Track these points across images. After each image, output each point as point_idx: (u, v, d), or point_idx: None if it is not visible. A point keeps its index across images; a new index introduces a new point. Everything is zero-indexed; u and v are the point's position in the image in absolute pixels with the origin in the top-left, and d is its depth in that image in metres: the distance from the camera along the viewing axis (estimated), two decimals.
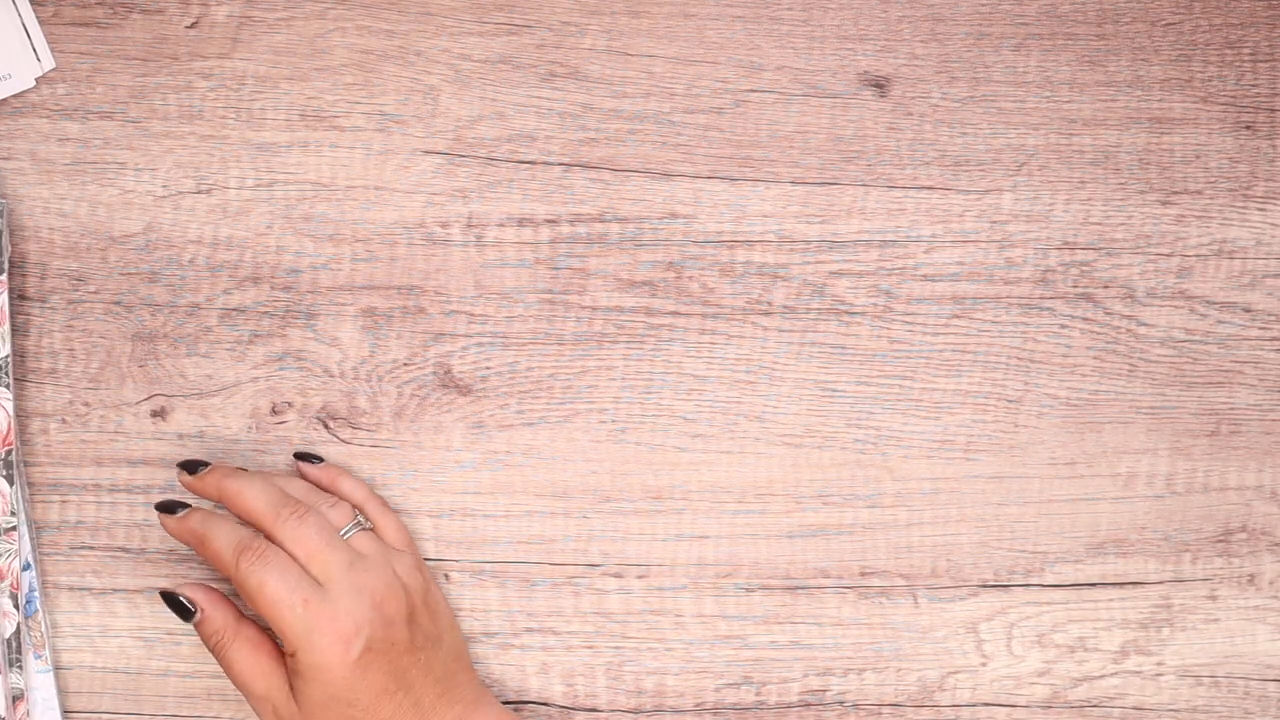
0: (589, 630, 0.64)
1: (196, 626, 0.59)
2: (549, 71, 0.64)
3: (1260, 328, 0.64)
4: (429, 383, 0.64)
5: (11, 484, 0.62)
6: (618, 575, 0.64)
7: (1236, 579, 0.65)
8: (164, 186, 0.64)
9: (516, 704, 0.64)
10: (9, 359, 0.62)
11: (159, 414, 0.64)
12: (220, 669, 0.59)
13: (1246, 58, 0.64)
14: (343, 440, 0.64)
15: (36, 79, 0.63)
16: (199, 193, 0.64)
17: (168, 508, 0.59)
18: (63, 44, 0.63)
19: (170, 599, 0.58)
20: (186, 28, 0.64)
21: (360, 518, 0.60)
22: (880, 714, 0.64)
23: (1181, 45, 0.63)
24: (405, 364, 0.64)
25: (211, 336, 0.64)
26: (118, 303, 0.64)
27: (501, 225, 0.64)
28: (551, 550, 0.64)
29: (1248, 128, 0.64)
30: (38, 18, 0.63)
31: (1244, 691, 0.65)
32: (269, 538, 0.57)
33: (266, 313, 0.64)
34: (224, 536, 0.57)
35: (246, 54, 0.64)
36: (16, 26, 0.63)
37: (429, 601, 0.59)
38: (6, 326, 0.62)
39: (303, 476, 0.62)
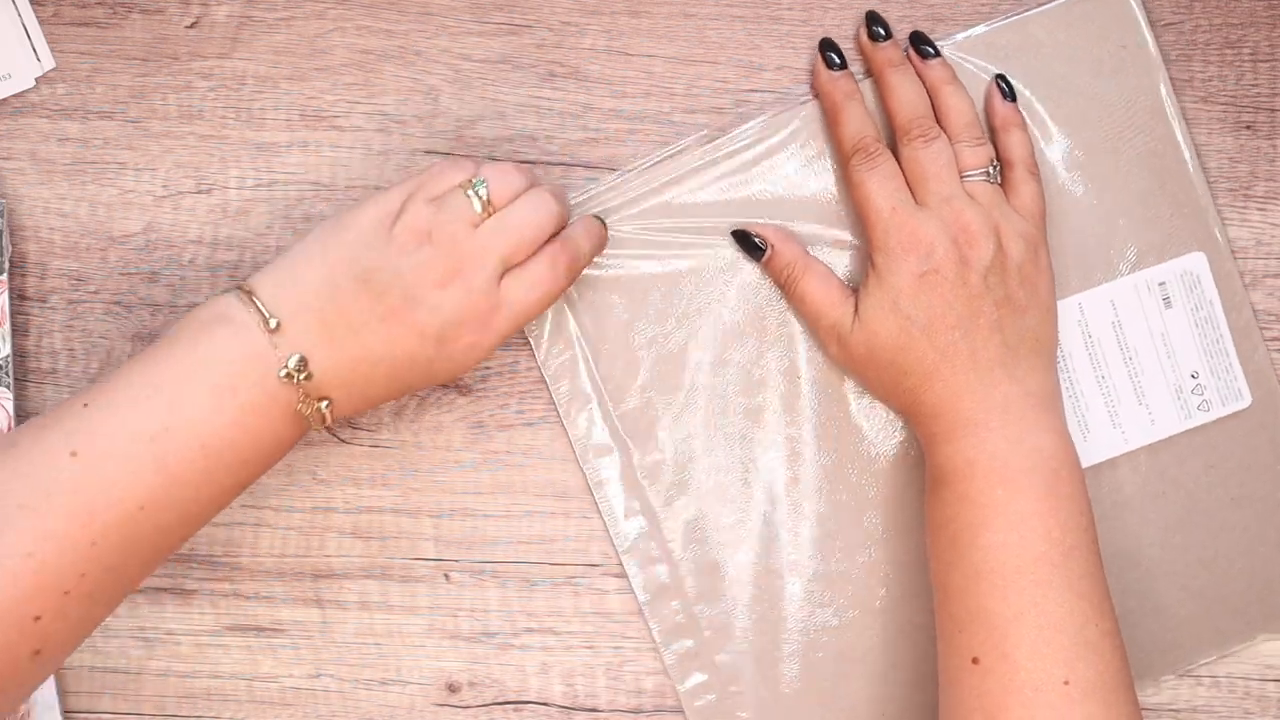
0: (589, 630, 0.64)
1: (766, 264, 0.62)
2: (549, 71, 0.64)
3: (1261, 327, 0.64)
4: None
5: None
6: (618, 575, 0.64)
7: None
8: (164, 186, 0.64)
9: (516, 704, 0.64)
10: (9, 359, 0.62)
11: None
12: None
13: (1246, 58, 0.64)
14: (343, 440, 0.64)
15: (36, 79, 0.63)
16: (199, 193, 0.64)
17: (829, 60, 0.61)
18: (63, 44, 0.63)
19: (741, 237, 0.62)
20: (186, 28, 0.64)
21: (993, 170, 0.59)
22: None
23: (1181, 45, 0.63)
24: None
25: None
26: (118, 303, 0.64)
27: None
28: (551, 550, 0.64)
29: (1248, 128, 0.64)
30: (38, 18, 0.63)
31: (1244, 691, 0.65)
32: (892, 147, 0.60)
33: None
34: (853, 124, 0.60)
35: (246, 54, 0.64)
36: (16, 26, 0.63)
37: (1025, 275, 0.58)
38: (6, 326, 0.62)
39: (919, 74, 0.61)
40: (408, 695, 0.64)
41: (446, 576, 0.64)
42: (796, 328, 0.63)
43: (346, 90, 0.64)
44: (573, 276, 0.58)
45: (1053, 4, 0.63)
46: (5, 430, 0.62)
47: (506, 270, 0.55)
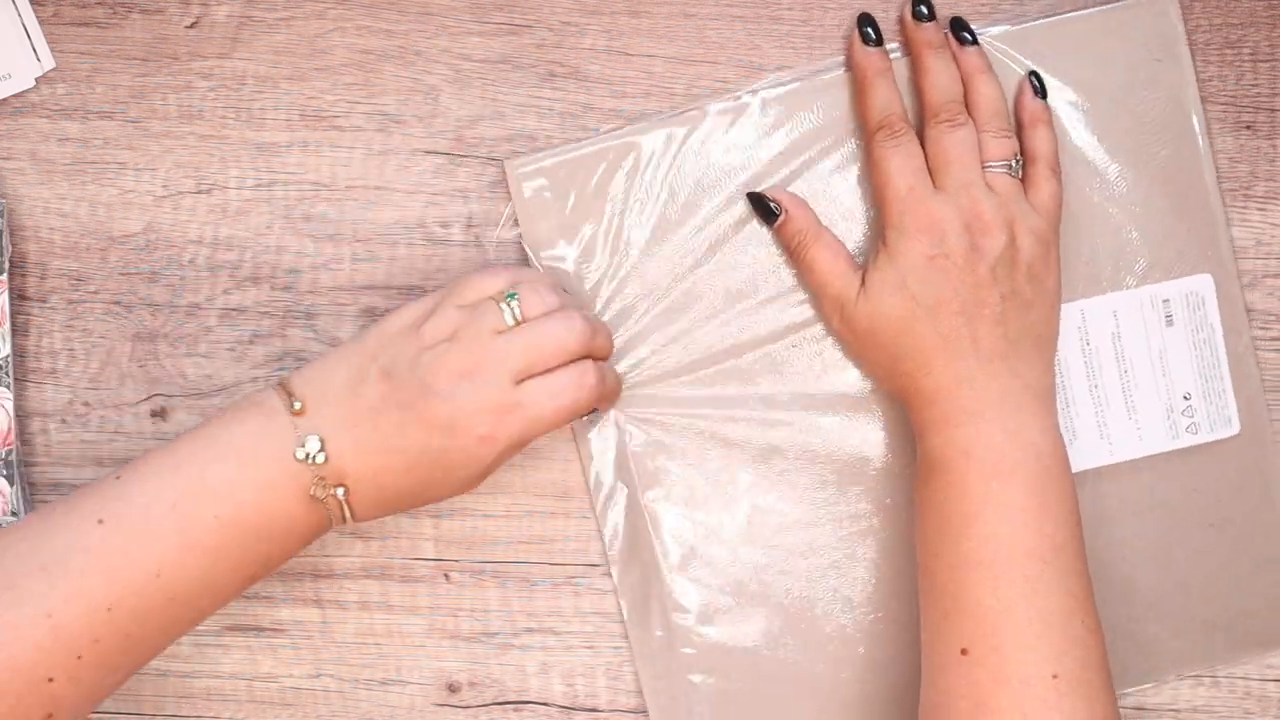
0: (589, 630, 0.64)
1: (779, 229, 0.62)
2: (549, 71, 0.64)
3: (1260, 328, 0.64)
4: None
5: (12, 484, 0.62)
6: None
7: None
8: (164, 186, 0.64)
9: (516, 704, 0.64)
10: (9, 359, 0.62)
11: (159, 414, 0.64)
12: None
13: (1246, 58, 0.64)
14: None
15: (36, 79, 0.63)
16: (199, 193, 0.64)
17: (865, 35, 0.61)
18: (63, 44, 0.63)
19: (757, 201, 0.62)
20: (186, 28, 0.64)
21: (1015, 164, 0.59)
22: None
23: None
24: None
25: (211, 336, 0.64)
26: (118, 303, 0.64)
27: (501, 225, 0.64)
28: (551, 550, 0.64)
29: (1248, 128, 0.64)
30: (38, 18, 0.63)
31: (1244, 691, 0.65)
32: (919, 129, 0.61)
33: (266, 313, 0.64)
34: (881, 100, 0.61)
35: (246, 54, 0.64)
36: (16, 26, 0.63)
37: (1035, 271, 0.58)
38: (7, 326, 0.62)
39: (955, 59, 0.61)
40: (408, 695, 0.64)
41: (446, 576, 0.64)
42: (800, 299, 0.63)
43: (346, 90, 0.64)
44: (595, 398, 0.57)
45: (1095, 9, 0.63)
46: (5, 431, 0.62)
47: (529, 376, 0.55)
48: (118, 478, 0.52)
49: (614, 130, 0.63)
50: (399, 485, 0.55)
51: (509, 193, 0.63)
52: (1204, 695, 0.65)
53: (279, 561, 0.55)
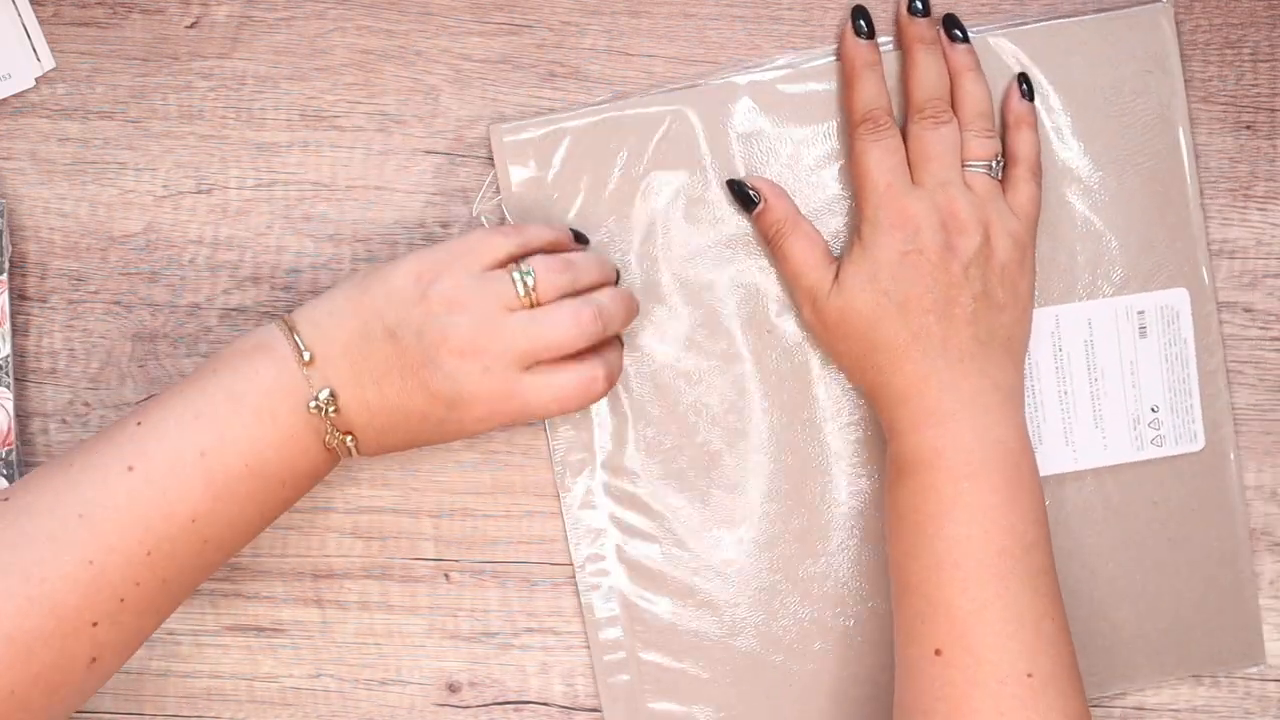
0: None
1: (757, 218, 0.62)
2: (549, 71, 0.64)
3: (1260, 328, 0.64)
4: None
5: (11, 484, 0.62)
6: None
7: None
8: (164, 186, 0.64)
9: (516, 704, 0.64)
10: (9, 359, 0.62)
11: None
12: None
13: (1246, 58, 0.64)
14: None
15: (36, 79, 0.63)
16: (199, 193, 0.64)
17: (857, 28, 0.61)
18: (63, 44, 0.63)
19: (737, 188, 0.62)
20: (186, 28, 0.64)
21: (995, 165, 0.60)
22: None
23: (1181, 45, 0.63)
24: None
25: (211, 336, 0.64)
26: (118, 303, 0.64)
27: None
28: (551, 550, 0.64)
29: (1248, 128, 0.64)
30: (38, 18, 0.63)
31: (1244, 691, 0.65)
32: (904, 124, 0.61)
33: (267, 313, 0.64)
34: (867, 93, 0.61)
35: (246, 54, 0.64)
36: (16, 26, 0.63)
37: (1008, 274, 0.58)
38: (7, 326, 0.62)
39: (946, 58, 0.61)
40: (408, 695, 0.64)
41: (446, 576, 0.64)
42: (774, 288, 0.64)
43: (346, 90, 0.64)
44: (597, 400, 0.57)
45: (1090, 16, 0.63)
46: (5, 431, 0.62)
47: (535, 363, 0.55)
48: (139, 424, 0.53)
49: (602, 103, 0.63)
50: (397, 439, 0.56)
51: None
52: (1204, 695, 0.65)
53: (297, 499, 0.56)
